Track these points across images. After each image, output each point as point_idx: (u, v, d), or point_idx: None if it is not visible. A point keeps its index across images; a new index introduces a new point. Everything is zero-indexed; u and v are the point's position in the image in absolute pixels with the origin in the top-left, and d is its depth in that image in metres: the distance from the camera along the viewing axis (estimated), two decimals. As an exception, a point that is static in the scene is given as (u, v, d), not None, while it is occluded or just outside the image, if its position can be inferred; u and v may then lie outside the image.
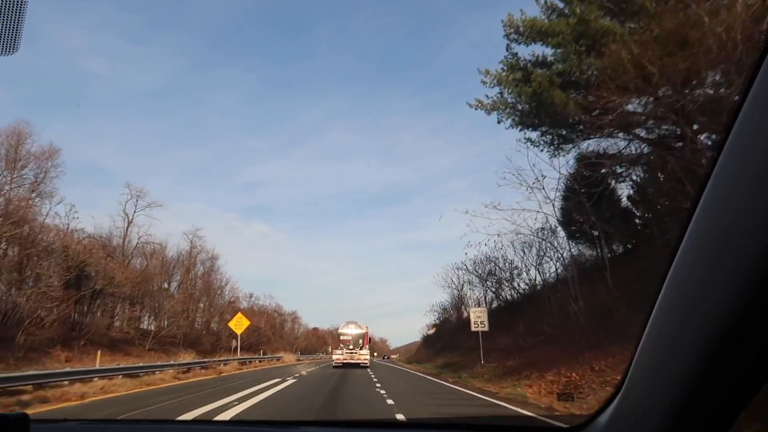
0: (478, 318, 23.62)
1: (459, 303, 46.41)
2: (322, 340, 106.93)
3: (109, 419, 3.09)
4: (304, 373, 23.84)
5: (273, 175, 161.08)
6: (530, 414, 8.55)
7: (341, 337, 32.99)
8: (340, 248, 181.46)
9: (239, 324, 36.07)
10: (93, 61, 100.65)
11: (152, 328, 42.94)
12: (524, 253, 30.74)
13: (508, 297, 34.86)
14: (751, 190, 0.68)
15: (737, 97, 0.72)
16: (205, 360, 30.06)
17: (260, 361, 40.89)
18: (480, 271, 37.38)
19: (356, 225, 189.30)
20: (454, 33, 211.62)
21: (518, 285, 33.34)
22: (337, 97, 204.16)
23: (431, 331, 59.46)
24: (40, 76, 77.13)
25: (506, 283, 34.85)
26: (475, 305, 38.86)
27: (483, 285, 38.33)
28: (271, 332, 73.22)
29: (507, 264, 33.59)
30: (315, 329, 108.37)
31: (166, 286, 48.29)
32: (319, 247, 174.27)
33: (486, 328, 23.23)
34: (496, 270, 35.16)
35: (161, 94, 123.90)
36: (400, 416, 8.49)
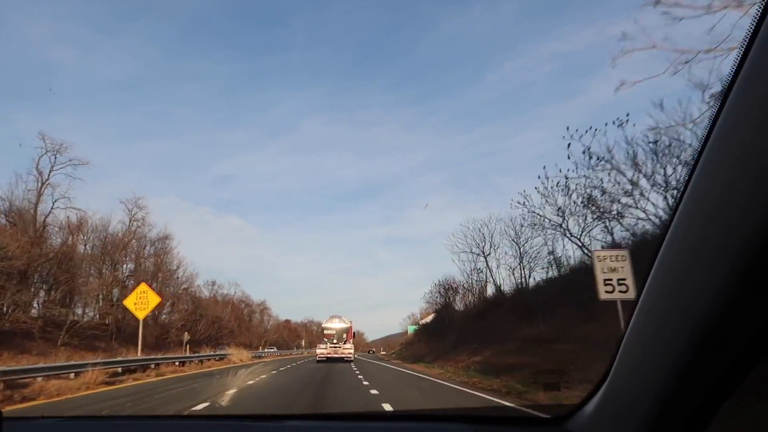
0: (612, 271, 9.50)
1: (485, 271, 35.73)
2: (294, 334, 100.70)
3: (86, 416, 2.97)
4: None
5: (247, 168, 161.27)
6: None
7: (325, 332, 33.18)
8: (314, 242, 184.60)
9: (142, 302, 23.69)
10: (59, 50, 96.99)
11: (78, 317, 33.95)
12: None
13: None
14: (731, 186, 0.69)
15: (722, 94, 0.73)
16: (107, 361, 19.05)
17: (200, 362, 28.86)
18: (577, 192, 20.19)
19: (331, 219, 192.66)
20: (428, 28, 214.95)
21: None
22: (312, 91, 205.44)
23: (426, 320, 52.05)
24: (3, 65, 72.80)
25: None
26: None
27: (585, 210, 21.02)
28: (236, 324, 66.30)
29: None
30: (287, 321, 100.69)
31: (95, 268, 39.65)
32: (293, 241, 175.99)
33: (630, 293, 9.39)
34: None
35: (131, 85, 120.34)
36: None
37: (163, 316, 46.76)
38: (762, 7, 0.67)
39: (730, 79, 0.71)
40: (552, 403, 9.15)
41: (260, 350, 58.61)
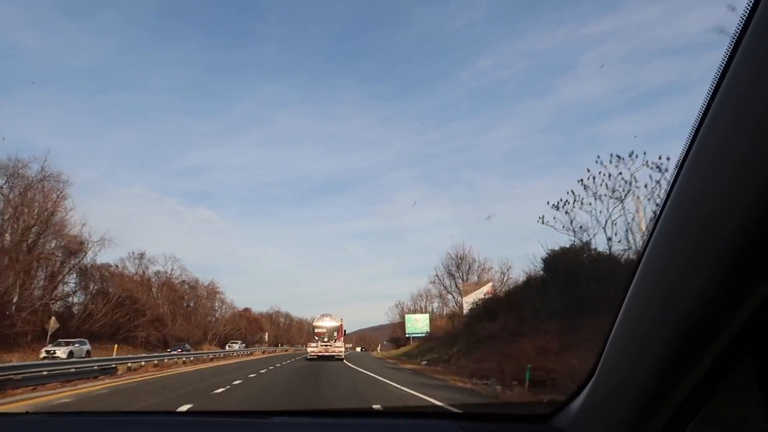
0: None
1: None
2: (255, 326, 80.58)
3: (73, 411, 2.82)
4: None
5: (217, 160, 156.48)
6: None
7: (316, 330, 33.51)
8: (285, 235, 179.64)
9: None
10: (24, 34, 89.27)
11: None
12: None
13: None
14: (713, 185, 0.71)
15: (709, 92, 0.75)
16: None
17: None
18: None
19: (303, 212, 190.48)
20: (402, 23, 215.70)
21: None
22: (285, 83, 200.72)
23: (487, 295, 30.89)
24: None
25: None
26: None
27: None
28: (170, 310, 51.51)
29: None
30: (246, 310, 78.84)
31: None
32: (264, 234, 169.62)
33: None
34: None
35: (98, 72, 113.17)
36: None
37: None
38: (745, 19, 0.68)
39: (718, 77, 0.72)
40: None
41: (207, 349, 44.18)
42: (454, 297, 50.78)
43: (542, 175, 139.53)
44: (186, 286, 60.19)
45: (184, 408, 8.41)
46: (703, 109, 0.74)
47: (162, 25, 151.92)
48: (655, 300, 0.88)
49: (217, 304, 69.06)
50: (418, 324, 55.88)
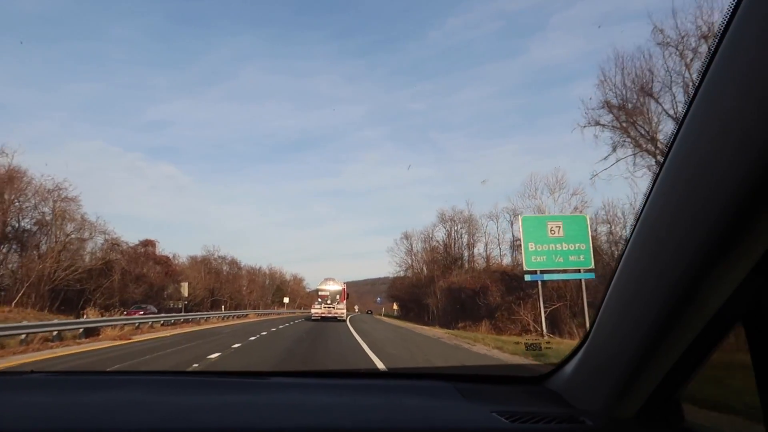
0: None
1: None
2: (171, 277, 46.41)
3: (76, 371, 2.70)
4: None
5: (182, 115, 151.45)
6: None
7: (320, 293, 35.62)
8: (251, 193, 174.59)
9: None
10: None
11: None
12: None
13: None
14: (707, 158, 0.72)
15: (692, 92, 0.77)
16: None
17: None
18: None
19: (269, 170, 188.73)
20: None
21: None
22: (252, 37, 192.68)
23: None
24: None
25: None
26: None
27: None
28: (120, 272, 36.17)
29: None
30: (166, 258, 48.27)
31: None
32: (229, 191, 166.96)
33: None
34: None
35: (53, 19, 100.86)
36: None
37: None
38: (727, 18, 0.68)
39: (701, 75, 0.74)
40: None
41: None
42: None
43: (510, 135, 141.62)
44: (95, 232, 38.62)
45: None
46: (688, 102, 0.76)
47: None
48: (646, 267, 0.90)
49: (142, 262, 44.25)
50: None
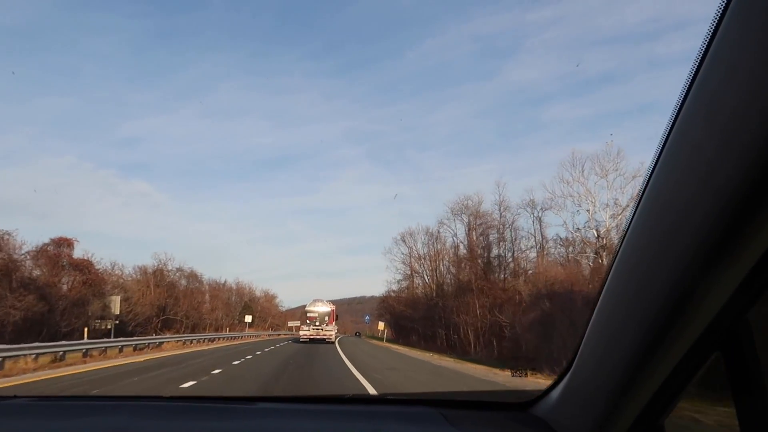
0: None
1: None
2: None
3: (61, 396, 2.61)
4: None
5: (156, 131, 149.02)
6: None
7: (308, 314, 34.62)
8: (226, 210, 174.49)
9: None
10: None
11: None
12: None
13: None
14: (685, 180, 0.73)
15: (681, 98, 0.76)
16: None
17: None
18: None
19: (245, 187, 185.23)
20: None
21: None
22: (229, 54, 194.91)
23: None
24: None
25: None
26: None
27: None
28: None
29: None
30: (86, 263, 32.41)
31: None
32: (203, 209, 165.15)
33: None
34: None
35: (25, 32, 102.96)
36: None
37: None
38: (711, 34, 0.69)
39: (689, 80, 0.74)
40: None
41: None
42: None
43: (486, 154, 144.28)
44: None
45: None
46: (677, 108, 0.76)
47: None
48: (628, 294, 0.91)
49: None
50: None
